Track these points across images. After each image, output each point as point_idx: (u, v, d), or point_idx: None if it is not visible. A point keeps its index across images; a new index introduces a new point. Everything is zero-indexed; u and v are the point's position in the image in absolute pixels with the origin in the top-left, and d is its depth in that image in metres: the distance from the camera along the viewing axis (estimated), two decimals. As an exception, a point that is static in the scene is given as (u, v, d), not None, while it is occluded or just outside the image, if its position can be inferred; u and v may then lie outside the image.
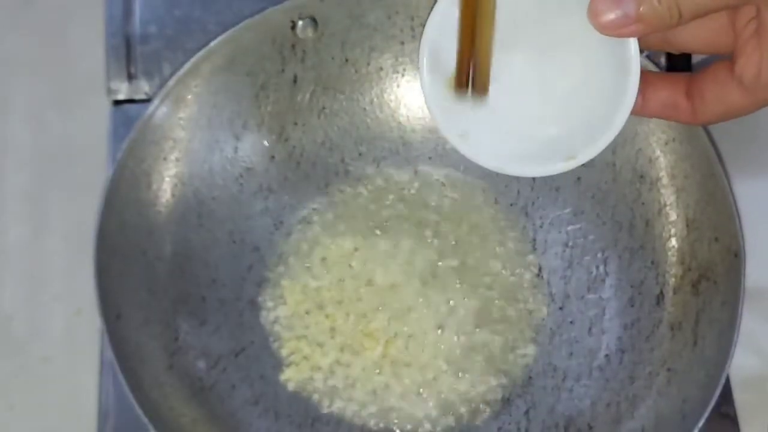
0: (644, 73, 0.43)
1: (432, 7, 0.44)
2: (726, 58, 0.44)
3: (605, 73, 0.43)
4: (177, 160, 0.58)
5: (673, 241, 0.57)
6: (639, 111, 0.45)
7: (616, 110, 0.43)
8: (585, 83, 0.44)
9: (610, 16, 0.41)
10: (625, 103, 0.43)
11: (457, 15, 0.44)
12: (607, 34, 0.42)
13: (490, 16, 0.43)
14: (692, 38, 0.44)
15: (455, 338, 0.58)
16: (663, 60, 0.62)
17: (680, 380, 0.54)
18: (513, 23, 0.44)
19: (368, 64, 0.61)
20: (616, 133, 0.43)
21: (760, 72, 0.42)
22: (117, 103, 0.64)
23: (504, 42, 0.44)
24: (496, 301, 0.59)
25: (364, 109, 0.62)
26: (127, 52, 0.64)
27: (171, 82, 0.57)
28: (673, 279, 0.57)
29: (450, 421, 0.56)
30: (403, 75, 0.62)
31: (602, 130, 0.44)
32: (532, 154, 0.45)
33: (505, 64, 0.44)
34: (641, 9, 0.41)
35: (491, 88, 0.45)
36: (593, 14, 0.41)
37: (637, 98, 0.43)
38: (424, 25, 0.44)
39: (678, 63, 0.60)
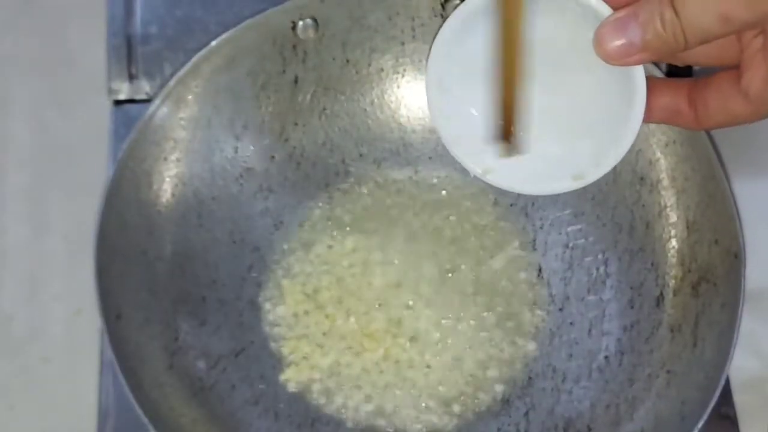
0: (647, 79, 0.43)
1: (433, 41, 0.44)
2: (730, 68, 0.44)
3: (611, 95, 0.43)
4: (177, 160, 0.58)
5: (673, 243, 0.57)
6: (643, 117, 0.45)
7: (623, 132, 0.43)
8: (591, 104, 0.44)
9: (615, 43, 0.41)
10: (632, 124, 0.43)
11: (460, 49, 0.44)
12: (612, 64, 0.41)
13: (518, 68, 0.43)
14: (698, 52, 0.44)
15: (455, 338, 0.58)
16: (663, 64, 0.62)
17: (680, 382, 0.54)
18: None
19: (369, 65, 0.61)
20: (624, 153, 0.43)
21: (767, 87, 0.42)
22: (118, 103, 0.64)
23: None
24: (496, 302, 0.59)
25: (365, 109, 0.62)
26: (128, 52, 0.64)
27: (172, 83, 0.57)
28: (673, 281, 0.57)
29: (449, 421, 0.56)
30: (403, 76, 0.62)
31: (610, 150, 0.44)
32: (541, 173, 0.45)
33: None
34: (647, 36, 0.40)
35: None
36: (598, 43, 0.41)
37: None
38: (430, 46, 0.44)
39: (679, 69, 0.60)
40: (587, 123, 0.45)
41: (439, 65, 0.45)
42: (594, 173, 0.44)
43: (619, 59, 0.41)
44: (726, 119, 0.44)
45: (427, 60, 0.45)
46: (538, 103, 0.45)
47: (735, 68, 0.44)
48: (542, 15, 0.43)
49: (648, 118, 0.45)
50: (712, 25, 0.40)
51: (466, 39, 0.44)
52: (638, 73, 0.42)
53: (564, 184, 0.45)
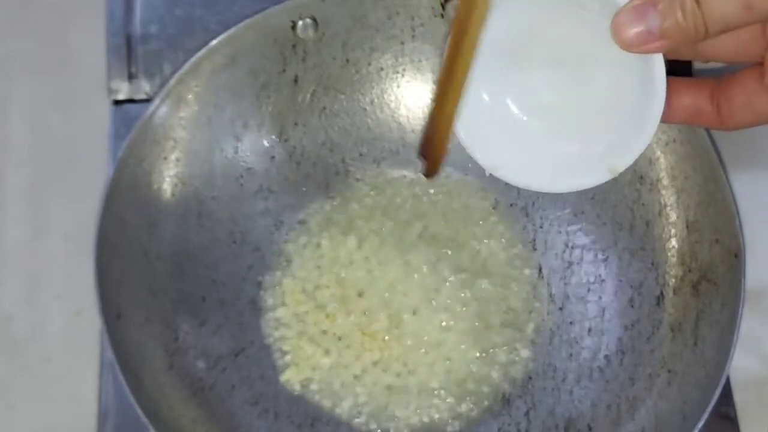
0: (668, 79, 0.42)
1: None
2: (754, 65, 0.43)
3: (630, 84, 0.43)
4: (177, 160, 0.58)
5: (674, 242, 0.57)
6: (664, 117, 0.45)
7: (644, 120, 0.42)
8: (608, 95, 0.44)
9: (634, 31, 0.40)
10: (653, 111, 0.42)
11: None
12: (630, 51, 0.41)
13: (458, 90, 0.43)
14: (721, 47, 0.43)
15: (455, 339, 0.58)
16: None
17: (680, 381, 0.54)
18: (533, 38, 0.43)
19: (369, 64, 0.61)
20: (646, 145, 0.43)
21: None
22: (117, 102, 0.63)
23: (526, 58, 0.44)
24: (496, 302, 0.59)
25: (365, 109, 0.62)
26: (128, 51, 0.64)
27: (171, 82, 0.57)
28: (674, 280, 0.57)
29: (450, 421, 0.56)
30: (403, 75, 0.62)
31: (631, 141, 0.43)
32: (557, 170, 0.45)
33: (530, 81, 0.44)
34: (665, 24, 0.40)
35: (520, 106, 0.45)
36: (616, 30, 0.41)
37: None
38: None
39: (679, 69, 0.60)
40: (605, 115, 0.44)
41: None
42: (619, 165, 0.43)
43: (636, 46, 0.40)
44: (751, 117, 0.44)
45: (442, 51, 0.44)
46: (557, 97, 0.45)
47: (759, 65, 0.43)
48: (557, 5, 0.42)
49: (669, 119, 0.45)
50: (734, 14, 0.39)
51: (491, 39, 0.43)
52: (657, 60, 0.41)
53: (583, 180, 0.45)
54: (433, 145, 0.44)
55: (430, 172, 0.45)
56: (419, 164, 0.46)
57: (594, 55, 0.43)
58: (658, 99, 0.42)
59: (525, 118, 0.46)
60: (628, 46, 0.41)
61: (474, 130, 0.45)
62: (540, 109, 0.45)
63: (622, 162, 0.43)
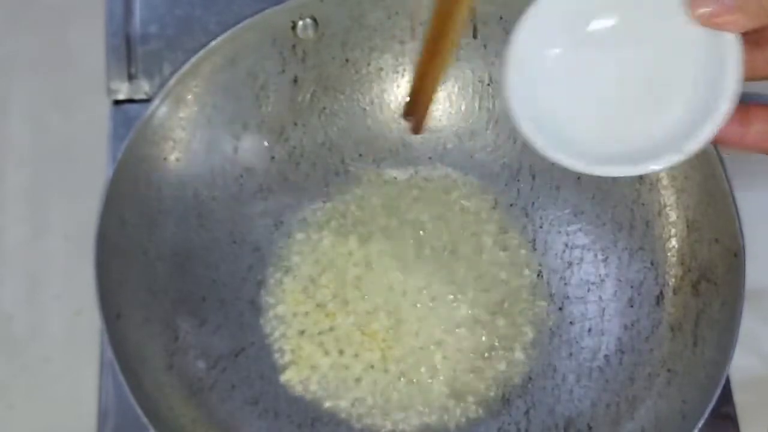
0: (740, 105, 0.41)
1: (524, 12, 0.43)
2: None
3: (700, 61, 0.41)
4: (177, 160, 0.58)
5: (673, 242, 0.57)
6: (739, 142, 0.43)
7: (716, 97, 0.41)
8: (680, 75, 0.42)
9: (708, 8, 0.40)
10: (726, 94, 0.41)
11: (551, 21, 0.42)
12: (704, 25, 0.40)
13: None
14: None
15: (455, 339, 0.58)
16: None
17: (680, 381, 0.54)
18: (602, 12, 0.42)
19: (368, 64, 0.61)
20: (717, 127, 0.41)
21: None
22: (117, 103, 0.63)
23: (593, 36, 0.43)
24: (496, 302, 0.59)
25: (364, 109, 0.62)
26: (128, 51, 0.64)
27: (171, 82, 0.57)
28: (673, 280, 0.57)
29: (450, 420, 0.56)
30: (403, 75, 0.62)
31: (702, 123, 0.41)
32: (625, 153, 0.43)
33: (597, 58, 0.43)
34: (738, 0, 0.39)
35: (584, 84, 0.43)
36: (689, 4, 0.40)
37: (736, 126, 0.42)
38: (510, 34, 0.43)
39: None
40: (675, 95, 0.43)
41: (524, 44, 0.42)
42: (687, 148, 0.42)
43: (711, 19, 0.40)
44: None
45: (510, 35, 0.42)
46: (622, 76, 0.43)
47: None
48: None
49: (745, 144, 0.43)
50: None
51: (560, 18, 0.42)
52: (732, 41, 0.40)
53: (651, 163, 0.42)
54: (420, 104, 0.44)
55: (416, 129, 0.45)
56: (407, 126, 0.47)
57: (666, 33, 0.42)
58: (732, 76, 0.41)
59: (587, 96, 0.43)
60: (702, 18, 0.40)
61: (532, 108, 0.43)
62: (606, 87, 0.43)
63: (693, 144, 0.42)
